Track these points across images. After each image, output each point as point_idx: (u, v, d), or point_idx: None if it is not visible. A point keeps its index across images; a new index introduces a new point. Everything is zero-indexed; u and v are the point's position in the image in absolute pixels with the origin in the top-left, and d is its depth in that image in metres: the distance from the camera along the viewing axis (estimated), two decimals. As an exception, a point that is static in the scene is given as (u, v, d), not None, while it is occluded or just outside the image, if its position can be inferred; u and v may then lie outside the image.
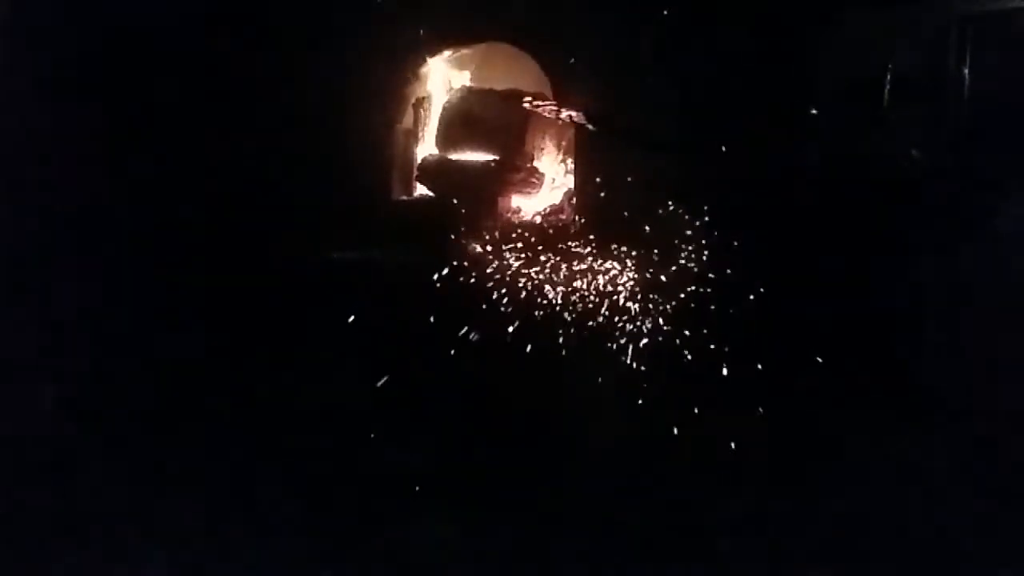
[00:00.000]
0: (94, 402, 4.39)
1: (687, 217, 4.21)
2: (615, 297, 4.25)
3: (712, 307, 4.17)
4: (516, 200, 4.71)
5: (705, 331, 4.14)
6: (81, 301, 4.50)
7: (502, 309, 4.29)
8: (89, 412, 4.38)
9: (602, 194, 4.32)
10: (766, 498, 3.89)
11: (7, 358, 4.43)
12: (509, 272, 4.36)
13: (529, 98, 4.56)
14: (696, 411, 4.08)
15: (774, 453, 4.00)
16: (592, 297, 4.27)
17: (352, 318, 4.39)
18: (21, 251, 4.53)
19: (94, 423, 4.35)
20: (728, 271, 4.16)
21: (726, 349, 4.09)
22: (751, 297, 4.13)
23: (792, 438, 4.01)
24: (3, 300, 4.49)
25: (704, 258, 4.22)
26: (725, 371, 4.10)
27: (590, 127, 4.30)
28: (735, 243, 4.15)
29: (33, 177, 4.55)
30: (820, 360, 4.01)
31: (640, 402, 4.14)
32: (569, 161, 4.69)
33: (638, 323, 4.21)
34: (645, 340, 4.21)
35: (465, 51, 4.78)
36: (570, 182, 4.61)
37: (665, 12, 4.19)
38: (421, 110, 4.80)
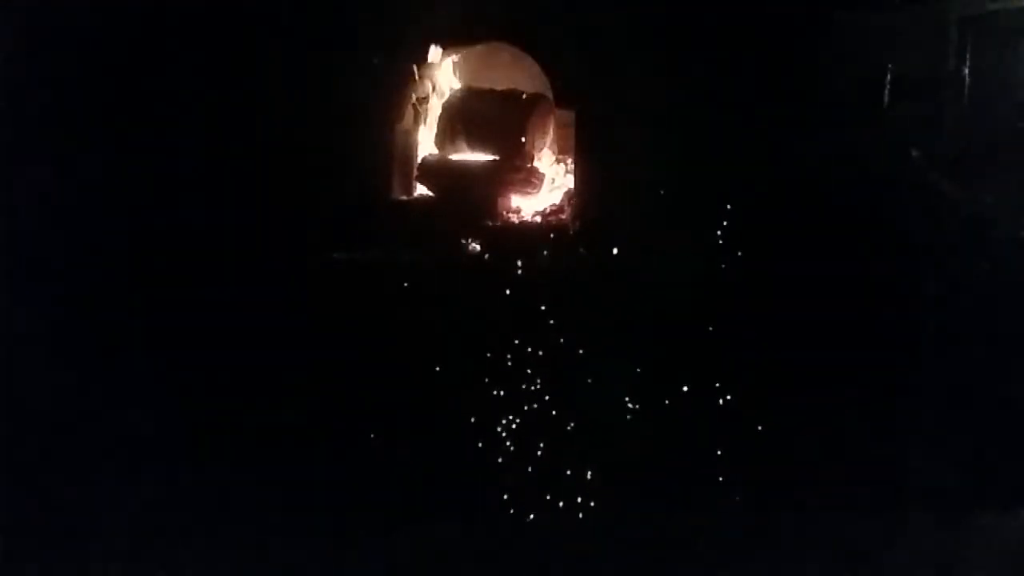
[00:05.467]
0: (90, 403, 4.40)
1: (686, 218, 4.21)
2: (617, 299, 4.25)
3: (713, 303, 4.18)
4: (516, 200, 4.71)
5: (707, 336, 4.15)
6: (76, 300, 4.50)
7: (502, 309, 4.29)
8: (85, 413, 4.38)
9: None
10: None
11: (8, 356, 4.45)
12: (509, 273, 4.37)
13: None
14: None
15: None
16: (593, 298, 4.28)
17: (351, 318, 4.40)
18: (21, 250, 4.53)
19: (90, 423, 4.36)
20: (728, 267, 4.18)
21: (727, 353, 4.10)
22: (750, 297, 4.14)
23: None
24: (3, 298, 4.50)
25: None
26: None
27: None
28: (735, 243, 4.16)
29: (29, 176, 4.55)
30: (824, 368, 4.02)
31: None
32: (569, 161, 4.69)
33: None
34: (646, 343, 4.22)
35: (465, 51, 4.78)
36: (570, 182, 4.60)
37: (664, 12, 4.19)
38: (421, 110, 4.80)
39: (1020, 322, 4.03)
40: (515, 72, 4.72)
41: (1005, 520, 3.88)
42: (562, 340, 4.22)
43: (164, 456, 4.30)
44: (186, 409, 4.39)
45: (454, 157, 4.73)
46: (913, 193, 4.12)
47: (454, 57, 4.80)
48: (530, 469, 4.19)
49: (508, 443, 4.21)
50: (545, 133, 4.76)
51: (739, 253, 4.15)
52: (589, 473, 4.14)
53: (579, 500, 4.13)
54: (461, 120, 4.69)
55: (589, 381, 4.19)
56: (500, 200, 4.63)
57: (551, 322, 4.23)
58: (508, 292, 4.29)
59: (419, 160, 4.77)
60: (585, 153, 4.44)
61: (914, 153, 4.13)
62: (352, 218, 4.56)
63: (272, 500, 4.15)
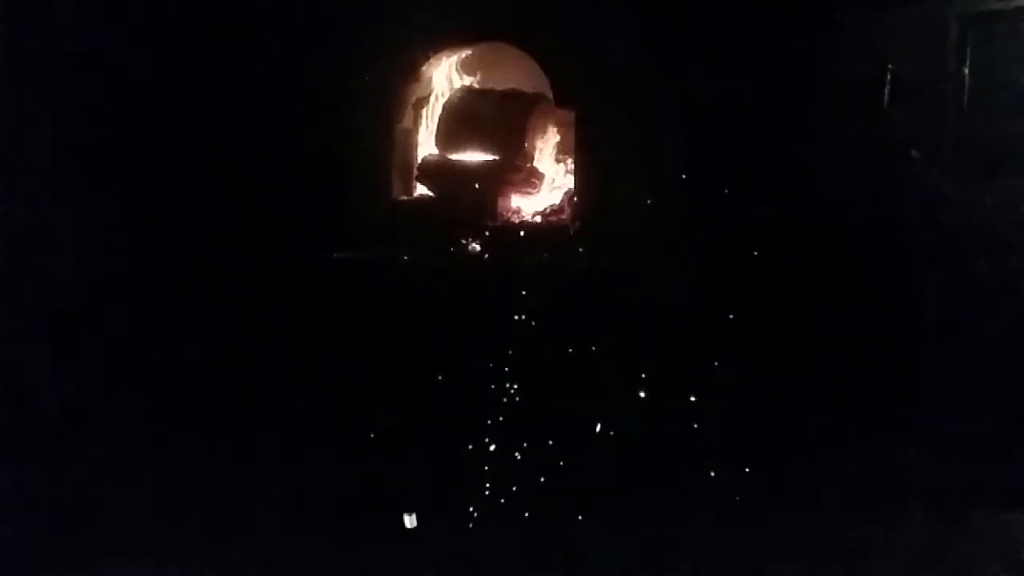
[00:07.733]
0: (92, 403, 4.40)
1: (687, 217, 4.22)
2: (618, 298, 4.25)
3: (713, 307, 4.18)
4: (516, 200, 4.71)
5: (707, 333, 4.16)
6: (79, 299, 4.51)
7: (502, 309, 4.29)
8: (87, 413, 4.39)
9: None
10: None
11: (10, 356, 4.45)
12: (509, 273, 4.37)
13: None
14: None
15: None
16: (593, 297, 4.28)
17: (351, 318, 4.40)
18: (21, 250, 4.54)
19: (91, 424, 4.37)
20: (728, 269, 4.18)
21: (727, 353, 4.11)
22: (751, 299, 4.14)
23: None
24: (5, 298, 4.50)
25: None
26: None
27: None
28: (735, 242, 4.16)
29: (29, 177, 4.55)
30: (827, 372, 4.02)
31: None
32: (569, 161, 4.69)
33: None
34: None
35: (465, 51, 4.78)
36: (570, 182, 4.61)
37: (664, 12, 4.19)
38: (421, 110, 4.80)
39: (1020, 322, 4.03)
40: (515, 72, 4.73)
41: (1005, 520, 3.88)
42: (562, 340, 4.22)
43: (162, 456, 4.30)
44: (185, 408, 4.39)
45: (454, 157, 4.73)
46: (913, 193, 4.11)
47: (454, 57, 4.80)
48: (528, 468, 4.19)
49: (506, 442, 4.21)
50: (545, 133, 4.77)
51: (739, 253, 4.15)
52: (588, 472, 4.14)
53: (578, 500, 4.13)
54: (461, 120, 4.70)
55: (588, 381, 4.19)
56: (500, 200, 4.64)
57: (551, 322, 4.23)
58: (508, 292, 4.29)
59: (419, 160, 4.78)
60: (585, 153, 4.44)
61: (914, 153, 4.13)
62: (352, 218, 4.56)
63: (270, 500, 4.15)
